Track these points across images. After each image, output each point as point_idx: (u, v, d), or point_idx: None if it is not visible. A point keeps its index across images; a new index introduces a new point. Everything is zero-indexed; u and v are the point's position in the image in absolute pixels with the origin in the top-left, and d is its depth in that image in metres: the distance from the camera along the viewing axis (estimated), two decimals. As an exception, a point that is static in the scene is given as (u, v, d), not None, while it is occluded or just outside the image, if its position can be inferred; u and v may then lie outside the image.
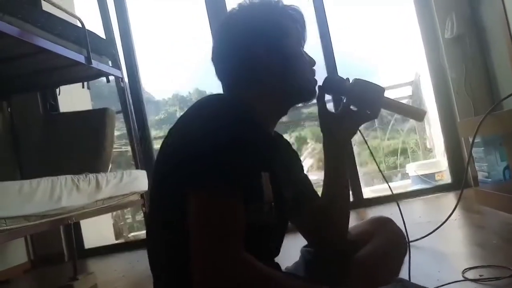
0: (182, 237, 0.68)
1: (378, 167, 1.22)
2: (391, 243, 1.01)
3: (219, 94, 0.88)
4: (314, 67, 0.95)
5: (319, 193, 1.02)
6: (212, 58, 0.93)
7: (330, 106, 0.98)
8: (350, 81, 0.95)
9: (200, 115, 0.77)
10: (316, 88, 0.94)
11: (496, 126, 2.09)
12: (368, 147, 1.10)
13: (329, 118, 0.97)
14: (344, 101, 0.96)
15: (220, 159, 0.69)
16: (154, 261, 0.84)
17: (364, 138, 1.07)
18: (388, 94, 0.95)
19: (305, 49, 0.96)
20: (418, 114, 0.98)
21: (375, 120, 1.02)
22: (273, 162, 0.85)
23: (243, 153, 0.71)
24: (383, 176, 1.34)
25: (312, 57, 0.96)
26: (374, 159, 1.18)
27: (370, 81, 0.94)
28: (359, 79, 0.94)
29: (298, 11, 0.94)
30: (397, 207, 1.08)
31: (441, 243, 1.89)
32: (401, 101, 0.99)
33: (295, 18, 0.93)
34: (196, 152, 0.71)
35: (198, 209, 0.68)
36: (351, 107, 0.95)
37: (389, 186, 1.21)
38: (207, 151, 0.70)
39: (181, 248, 0.69)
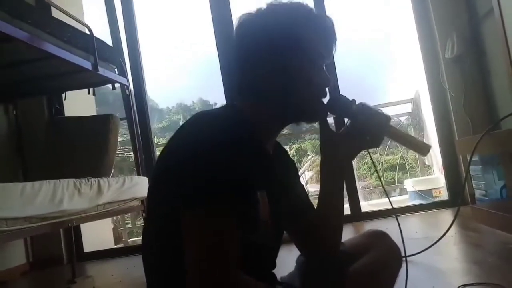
0: (176, 251, 0.69)
1: (382, 185, 1.24)
2: (387, 257, 1.01)
3: (215, 109, 0.87)
4: (327, 87, 0.90)
5: (315, 203, 1.01)
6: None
7: (330, 120, 0.97)
8: (356, 103, 0.92)
9: (195, 132, 0.76)
10: (321, 110, 0.91)
11: (494, 145, 2.12)
12: (376, 169, 1.11)
13: (329, 139, 0.95)
14: (348, 124, 0.94)
15: (214, 178, 0.68)
16: (148, 272, 0.84)
17: (373, 162, 1.06)
18: (388, 111, 0.95)
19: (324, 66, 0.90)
20: (423, 148, 0.95)
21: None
22: (269, 179, 0.82)
23: (237, 172, 0.70)
24: (385, 192, 1.37)
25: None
26: (380, 178, 1.20)
27: (377, 109, 0.92)
28: (365, 104, 0.92)
29: (329, 23, 0.88)
30: (395, 221, 1.08)
31: (436, 259, 1.90)
32: (406, 133, 0.98)
33: (322, 31, 0.87)
34: (189, 169, 0.70)
35: (192, 228, 0.68)
36: (354, 131, 0.93)
37: (390, 201, 1.20)
38: (200, 169, 0.69)
39: (174, 261, 0.70)
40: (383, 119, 0.91)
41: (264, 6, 0.87)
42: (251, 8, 0.88)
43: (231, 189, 0.69)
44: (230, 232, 0.68)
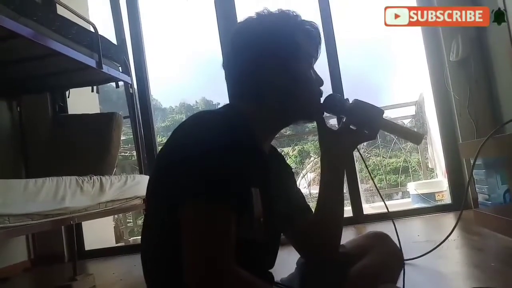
0: (174, 248, 0.69)
1: (376, 186, 1.24)
2: (387, 258, 1.01)
3: (215, 109, 0.90)
4: (321, 87, 0.94)
5: (313, 207, 1.02)
6: (222, 64, 0.95)
7: (333, 122, 0.99)
8: (350, 101, 0.97)
9: (194, 131, 0.78)
10: (318, 109, 0.95)
11: (498, 149, 2.11)
12: (367, 167, 1.12)
13: (327, 135, 0.98)
14: (344, 120, 0.98)
15: (212, 175, 0.70)
16: (147, 269, 0.84)
17: (363, 159, 1.07)
18: (391, 113, 0.96)
19: (314, 67, 0.95)
20: (416, 137, 1.01)
21: (378, 138, 1.01)
22: (264, 178, 0.84)
23: (235, 170, 0.72)
24: (380, 194, 1.36)
25: (321, 76, 0.95)
26: (372, 179, 1.20)
27: (370, 103, 0.96)
28: (359, 100, 0.97)
29: (315, 27, 0.93)
30: (398, 223, 1.09)
31: (438, 263, 1.89)
32: (399, 124, 1.01)
33: (311, 35, 0.92)
34: (188, 166, 0.72)
35: (190, 222, 0.69)
36: (351, 126, 0.97)
37: (385, 204, 1.21)
38: (199, 165, 0.71)
39: (173, 257, 0.71)
40: (376, 112, 0.96)
41: (254, 15, 0.91)
42: (249, 12, 0.93)
43: (229, 186, 0.71)
44: (228, 227, 0.70)
